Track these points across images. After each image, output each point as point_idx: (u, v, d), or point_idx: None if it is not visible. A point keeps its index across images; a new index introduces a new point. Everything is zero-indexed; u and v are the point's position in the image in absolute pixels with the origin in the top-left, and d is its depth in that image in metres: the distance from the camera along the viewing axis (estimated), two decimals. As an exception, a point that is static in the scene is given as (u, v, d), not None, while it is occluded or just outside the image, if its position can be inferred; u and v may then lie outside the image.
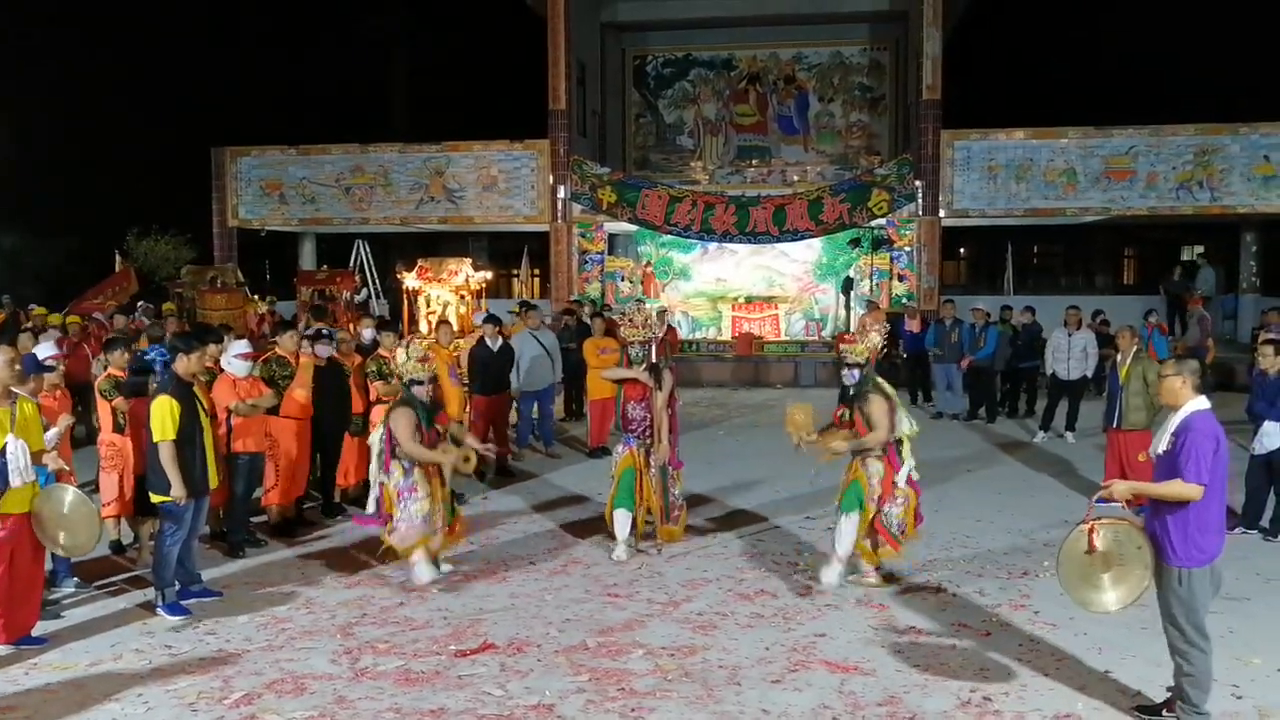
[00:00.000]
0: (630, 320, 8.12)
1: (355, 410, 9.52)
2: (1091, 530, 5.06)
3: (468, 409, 11.22)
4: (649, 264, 22.07)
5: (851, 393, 7.15)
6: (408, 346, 7.76)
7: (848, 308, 20.28)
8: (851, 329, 18.92)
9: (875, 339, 7.22)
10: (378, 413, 9.45)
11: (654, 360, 8.10)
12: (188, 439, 6.76)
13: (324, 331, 9.67)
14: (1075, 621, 6.38)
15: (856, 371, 7.12)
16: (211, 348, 8.20)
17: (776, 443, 11.97)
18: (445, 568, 7.61)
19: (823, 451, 7.18)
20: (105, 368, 8.20)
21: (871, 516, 7.03)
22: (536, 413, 12.38)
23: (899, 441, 7.07)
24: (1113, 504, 5.31)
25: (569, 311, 16.03)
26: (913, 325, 16.26)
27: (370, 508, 7.49)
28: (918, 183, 19.78)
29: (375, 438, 7.52)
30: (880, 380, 7.17)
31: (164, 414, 6.67)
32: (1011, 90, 29.05)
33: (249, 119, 27.85)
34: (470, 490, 10.26)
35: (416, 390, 7.45)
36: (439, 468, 7.40)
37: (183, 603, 6.85)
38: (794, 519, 8.88)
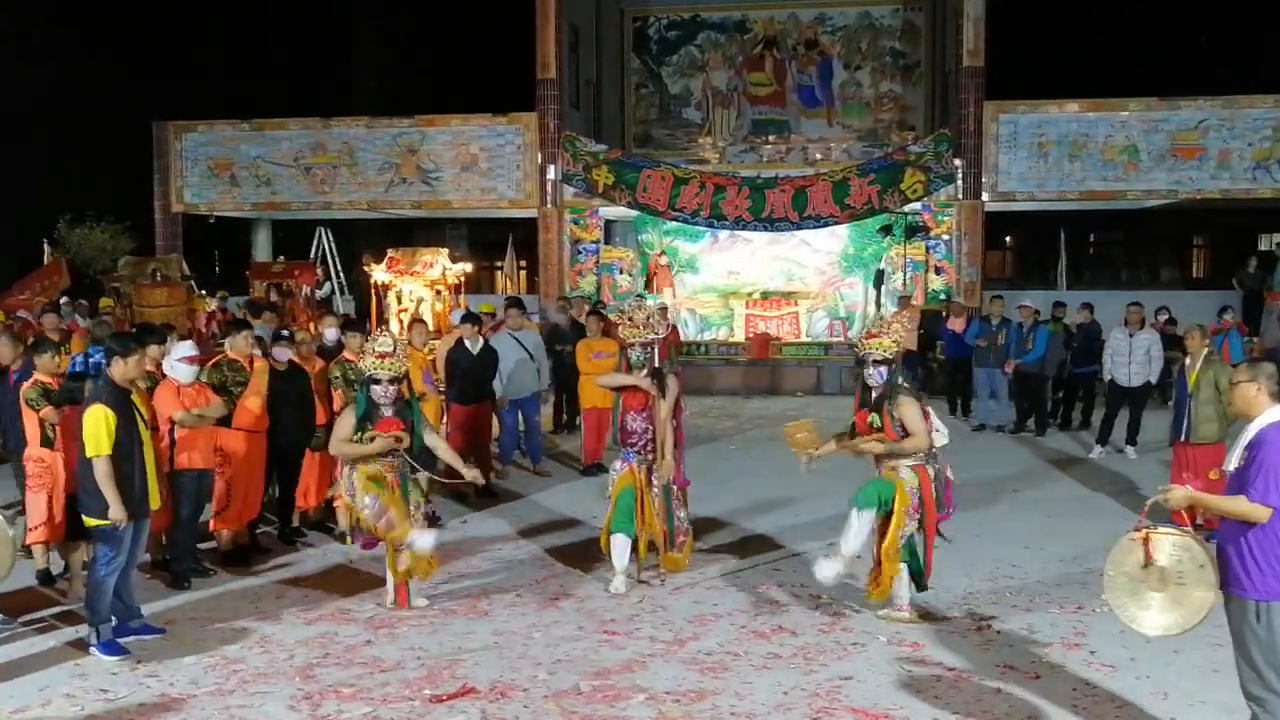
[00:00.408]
0: (630, 319, 8.12)
1: (317, 421, 9.53)
2: (1146, 539, 5.06)
3: (444, 420, 11.23)
4: (662, 254, 22.04)
5: (875, 395, 7.16)
6: (371, 339, 7.78)
7: (878, 304, 20.31)
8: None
9: (900, 330, 7.28)
10: (342, 425, 9.49)
11: (657, 364, 8.11)
12: (125, 454, 6.76)
13: (284, 333, 9.68)
14: (1137, 663, 6.39)
15: (885, 369, 7.14)
16: (154, 349, 8.22)
17: (808, 467, 11.97)
18: (420, 602, 7.63)
19: (849, 452, 7.29)
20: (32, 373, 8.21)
21: (906, 534, 7.03)
22: (522, 425, 12.40)
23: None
24: (1177, 526, 5.30)
25: (563, 309, 16.09)
26: (955, 324, 16.24)
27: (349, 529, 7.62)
28: (957, 161, 19.81)
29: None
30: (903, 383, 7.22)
31: (99, 425, 6.67)
32: (1064, 56, 29.07)
33: (195, 91, 27.87)
34: (447, 514, 10.28)
35: (375, 391, 7.48)
36: (393, 482, 7.48)
37: (120, 641, 6.84)
38: (816, 545, 8.88)
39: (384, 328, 9.29)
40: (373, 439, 7.40)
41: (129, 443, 6.80)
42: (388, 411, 7.48)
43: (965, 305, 17.60)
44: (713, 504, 10.31)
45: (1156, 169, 19.81)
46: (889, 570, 7.11)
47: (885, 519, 7.08)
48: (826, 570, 7.10)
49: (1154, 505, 5.19)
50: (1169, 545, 5.05)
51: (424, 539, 7.41)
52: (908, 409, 7.03)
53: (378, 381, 7.48)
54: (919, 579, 7.29)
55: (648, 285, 21.82)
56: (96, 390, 6.94)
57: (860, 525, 7.00)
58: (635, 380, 8.02)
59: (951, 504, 7.33)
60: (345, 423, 7.53)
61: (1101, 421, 13.47)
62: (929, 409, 7.26)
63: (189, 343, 8.71)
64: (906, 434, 7.01)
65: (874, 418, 7.12)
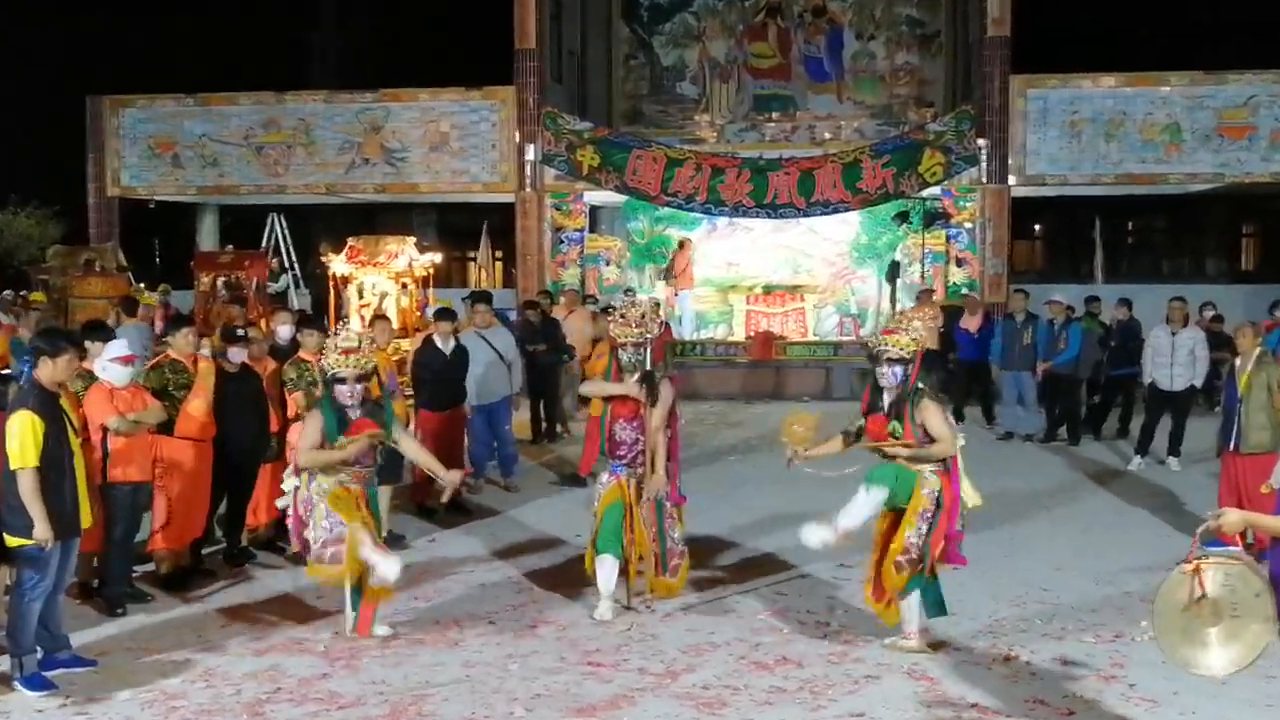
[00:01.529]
0: (622, 316, 8.10)
1: (270, 429, 9.48)
2: (1197, 570, 5.06)
3: (412, 427, 11.20)
4: (687, 241, 21.59)
5: (889, 397, 7.13)
6: (335, 333, 7.73)
7: (893, 300, 20.33)
8: (896, 324, 18.95)
9: (920, 327, 7.27)
10: (295, 432, 9.45)
11: (649, 367, 8.09)
12: (54, 466, 6.72)
13: (238, 331, 9.64)
14: (1180, 697, 6.39)
15: (900, 369, 7.09)
16: (97, 346, 8.18)
17: (803, 471, 11.96)
18: (382, 630, 7.60)
19: (873, 450, 7.22)
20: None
21: (915, 541, 7.00)
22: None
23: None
24: (1228, 546, 5.29)
25: (532, 304, 15.96)
26: (969, 324, 16.15)
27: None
28: (981, 142, 19.85)
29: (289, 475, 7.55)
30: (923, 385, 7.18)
31: (25, 434, 6.62)
32: (1100, 25, 29.16)
33: (134, 62, 27.81)
34: (413, 532, 10.25)
35: (339, 391, 7.42)
36: (359, 494, 7.46)
37: (46, 674, 6.81)
38: (824, 566, 8.89)
39: (344, 322, 9.24)
40: (349, 444, 7.36)
41: (58, 453, 6.75)
42: (357, 413, 7.45)
43: (979, 301, 17.53)
44: (711, 520, 10.29)
45: (1201, 150, 19.85)
46: (891, 582, 7.07)
47: (895, 519, 7.07)
48: (813, 536, 7.09)
49: (1204, 531, 5.18)
50: (1220, 575, 5.04)
51: (389, 565, 7.32)
52: (931, 412, 7.00)
53: (342, 381, 7.43)
54: (938, 604, 7.26)
55: (667, 275, 21.56)
56: (21, 394, 6.87)
57: (866, 502, 6.95)
58: (623, 388, 7.99)
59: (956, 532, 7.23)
60: (311, 430, 7.41)
61: (1141, 429, 13.48)
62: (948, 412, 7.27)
63: (123, 341, 8.66)
64: (931, 439, 6.99)
65: (894, 425, 7.06)
